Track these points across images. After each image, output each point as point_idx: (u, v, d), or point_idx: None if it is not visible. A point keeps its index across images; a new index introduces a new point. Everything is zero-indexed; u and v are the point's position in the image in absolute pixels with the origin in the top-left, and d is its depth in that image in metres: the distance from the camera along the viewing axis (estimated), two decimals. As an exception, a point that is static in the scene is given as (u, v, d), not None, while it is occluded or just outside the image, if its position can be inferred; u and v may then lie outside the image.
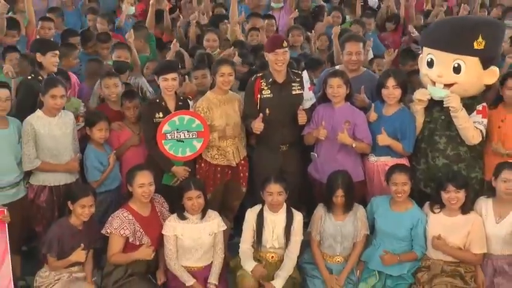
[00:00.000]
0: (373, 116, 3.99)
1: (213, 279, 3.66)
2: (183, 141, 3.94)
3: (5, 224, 3.33)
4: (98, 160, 4.02)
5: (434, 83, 3.89)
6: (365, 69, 4.47)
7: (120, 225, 3.58)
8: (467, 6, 6.98)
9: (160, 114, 3.98)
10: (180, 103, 4.08)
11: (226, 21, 6.15)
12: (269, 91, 3.97)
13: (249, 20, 6.13)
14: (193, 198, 3.61)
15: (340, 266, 3.78)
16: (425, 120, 3.96)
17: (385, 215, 3.76)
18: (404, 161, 3.94)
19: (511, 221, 3.56)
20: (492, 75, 3.86)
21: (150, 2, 5.91)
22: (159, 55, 5.61)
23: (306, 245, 3.86)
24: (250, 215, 3.77)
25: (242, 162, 4.14)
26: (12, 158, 3.72)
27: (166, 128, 3.90)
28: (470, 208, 3.66)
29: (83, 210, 3.55)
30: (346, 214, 3.77)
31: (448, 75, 3.83)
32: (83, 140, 4.09)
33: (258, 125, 3.88)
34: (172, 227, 3.66)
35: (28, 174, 3.83)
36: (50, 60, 4.17)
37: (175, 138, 3.92)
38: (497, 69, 3.89)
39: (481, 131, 3.84)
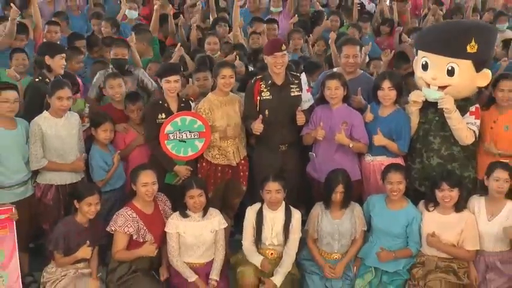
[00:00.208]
0: (369, 116, 3.99)
1: (215, 275, 3.66)
2: (185, 142, 3.94)
3: (13, 222, 3.35)
4: (103, 160, 4.02)
5: (428, 85, 3.90)
6: (362, 71, 4.48)
7: (124, 223, 3.58)
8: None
9: (163, 115, 3.98)
10: (182, 104, 4.08)
11: (222, 23, 6.14)
12: (268, 93, 3.97)
13: (252, 24, 6.14)
14: (195, 196, 3.62)
15: (339, 262, 3.76)
16: (420, 121, 3.97)
17: (381, 213, 3.76)
18: (399, 161, 3.95)
19: (503, 219, 3.56)
20: (484, 77, 3.87)
21: (155, 7, 5.92)
22: (160, 58, 5.62)
23: (304, 242, 3.87)
24: (250, 212, 3.78)
25: (242, 161, 4.15)
26: (20, 158, 3.72)
27: (168, 128, 3.90)
28: (464, 206, 3.66)
29: (89, 208, 3.55)
30: (343, 212, 3.77)
31: (442, 78, 3.84)
32: (88, 140, 4.09)
33: (257, 126, 3.88)
34: (175, 224, 3.66)
35: (35, 173, 3.83)
36: (59, 63, 4.19)
37: (178, 138, 3.92)
38: (490, 71, 3.90)
39: (474, 131, 3.85)
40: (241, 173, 4.15)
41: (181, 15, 6.43)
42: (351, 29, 6.10)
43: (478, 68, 3.82)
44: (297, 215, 3.76)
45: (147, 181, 3.61)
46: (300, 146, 4.12)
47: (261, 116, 3.92)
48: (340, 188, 3.67)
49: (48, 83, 4.06)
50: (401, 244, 3.74)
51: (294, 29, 6.11)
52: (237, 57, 4.88)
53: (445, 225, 3.63)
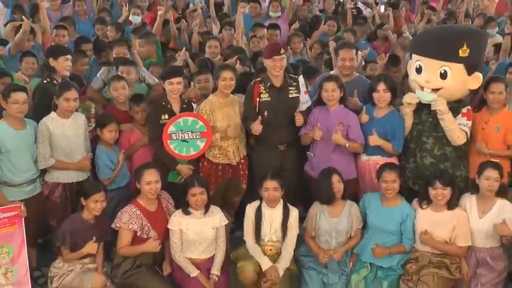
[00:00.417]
0: (364, 118, 4.00)
1: (216, 270, 3.66)
2: (187, 141, 3.94)
3: (22, 219, 3.36)
4: (108, 159, 4.03)
5: (422, 88, 3.90)
6: (358, 74, 4.47)
7: (128, 220, 3.59)
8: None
9: (166, 116, 3.98)
10: (184, 106, 4.08)
11: (228, 27, 6.14)
12: (267, 95, 3.97)
13: (253, 29, 6.16)
14: (197, 194, 3.62)
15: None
16: (414, 122, 3.97)
17: (376, 210, 3.76)
18: (394, 160, 3.95)
19: (493, 216, 3.56)
20: (476, 80, 3.87)
21: (159, 13, 5.93)
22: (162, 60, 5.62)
23: (302, 239, 3.86)
24: (250, 210, 3.77)
25: (242, 161, 4.15)
26: (29, 157, 3.73)
27: (171, 128, 3.90)
28: (456, 204, 3.66)
29: (95, 205, 3.56)
30: (340, 211, 3.77)
31: (435, 81, 3.84)
32: (94, 140, 4.10)
33: (257, 127, 3.89)
34: (178, 221, 3.66)
35: (43, 172, 3.84)
36: (62, 65, 4.18)
37: (180, 138, 3.93)
38: (481, 75, 3.90)
39: (465, 132, 3.86)
40: (241, 172, 4.15)
41: (183, 20, 6.43)
42: (346, 33, 6.11)
43: (470, 72, 3.82)
44: (294, 212, 3.76)
45: (150, 179, 3.62)
46: (298, 145, 4.12)
47: (260, 117, 3.92)
48: (335, 178, 3.67)
49: (55, 84, 4.05)
50: (395, 240, 3.73)
51: (294, 33, 6.12)
52: (238, 61, 4.88)
53: (438, 222, 3.63)
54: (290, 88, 4.02)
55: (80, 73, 4.82)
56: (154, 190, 3.64)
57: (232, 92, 4.15)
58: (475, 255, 3.64)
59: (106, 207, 3.68)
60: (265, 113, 3.95)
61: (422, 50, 3.94)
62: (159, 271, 3.74)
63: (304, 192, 4.24)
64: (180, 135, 3.92)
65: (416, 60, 3.96)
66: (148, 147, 4.17)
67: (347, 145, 3.91)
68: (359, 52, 4.74)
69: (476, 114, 3.99)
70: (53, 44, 5.18)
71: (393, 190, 3.68)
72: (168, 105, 4.04)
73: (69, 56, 4.25)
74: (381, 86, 3.93)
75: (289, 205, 3.77)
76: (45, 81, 4.21)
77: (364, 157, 4.03)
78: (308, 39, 6.23)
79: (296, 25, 6.39)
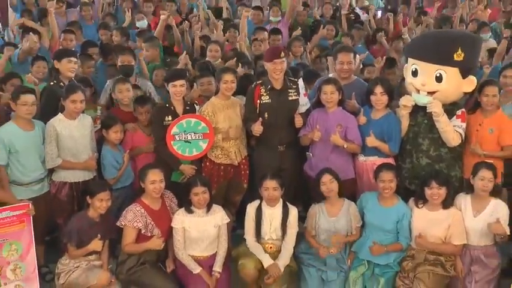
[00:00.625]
0: (362, 119, 4.00)
1: (218, 267, 3.66)
2: (190, 142, 3.95)
3: (30, 217, 3.37)
4: (114, 159, 4.04)
5: (418, 91, 3.89)
6: (355, 77, 4.47)
7: (133, 218, 3.60)
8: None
9: (170, 118, 3.99)
10: (187, 107, 4.09)
11: (232, 29, 6.16)
12: (268, 97, 3.97)
13: (254, 33, 6.18)
14: (200, 193, 3.62)
15: (334, 256, 3.76)
16: (410, 124, 3.96)
17: (374, 209, 3.77)
18: (391, 161, 3.94)
19: (487, 215, 3.56)
20: (470, 83, 3.87)
21: (161, 17, 5.94)
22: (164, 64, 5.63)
23: (301, 236, 3.87)
24: (250, 209, 3.77)
25: (243, 161, 4.15)
26: (37, 157, 3.74)
27: (174, 130, 3.91)
28: (451, 203, 3.65)
29: (100, 203, 3.57)
30: (339, 210, 3.77)
31: (431, 84, 3.84)
32: (99, 140, 4.10)
33: (257, 128, 3.89)
34: (181, 220, 3.66)
35: (51, 171, 3.85)
36: (66, 66, 4.17)
37: (183, 139, 3.93)
38: (475, 78, 3.90)
39: (460, 134, 3.85)
40: (243, 172, 4.16)
41: (186, 22, 6.43)
42: (344, 37, 6.12)
43: (464, 75, 3.82)
44: (294, 211, 3.76)
45: (155, 179, 3.62)
46: (297, 146, 4.11)
47: (260, 118, 3.92)
48: (327, 177, 3.67)
49: (62, 86, 4.06)
50: (392, 239, 3.74)
51: (295, 37, 6.13)
52: (240, 65, 4.89)
53: (433, 221, 3.63)
54: (290, 91, 4.02)
55: (87, 75, 4.84)
56: (158, 189, 3.64)
57: (234, 94, 4.15)
58: (469, 253, 3.65)
59: (111, 206, 3.68)
60: (266, 115, 3.95)
61: (418, 54, 3.94)
62: (162, 268, 3.74)
63: (303, 192, 4.24)
64: (183, 136, 3.93)
65: (412, 64, 3.96)
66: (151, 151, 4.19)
67: (345, 146, 3.92)
68: (357, 56, 4.75)
69: (470, 116, 3.99)
70: (60, 47, 5.20)
71: (390, 189, 3.69)
72: (172, 107, 4.05)
73: (72, 58, 4.24)
74: (378, 89, 3.93)
75: (288, 204, 3.77)
76: (52, 83, 4.22)
77: (361, 158, 4.03)
78: (308, 43, 6.23)
79: (298, 31, 6.41)
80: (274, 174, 3.73)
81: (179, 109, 4.05)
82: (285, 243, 3.71)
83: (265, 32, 6.10)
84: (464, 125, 3.88)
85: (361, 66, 5.23)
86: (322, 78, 4.44)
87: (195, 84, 4.60)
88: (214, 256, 3.72)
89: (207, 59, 5.33)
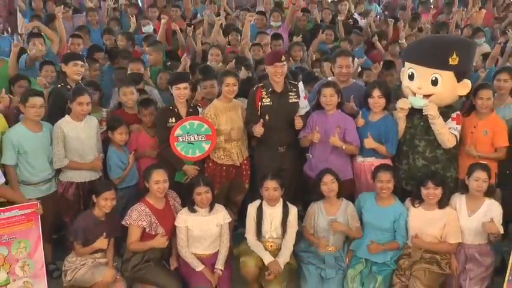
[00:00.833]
0: (360, 122, 4.01)
1: (220, 265, 3.67)
2: (193, 144, 3.95)
3: (38, 215, 3.37)
4: (119, 159, 4.05)
5: (414, 94, 3.90)
6: (354, 80, 4.48)
7: (138, 217, 3.60)
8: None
9: (173, 119, 4.00)
10: (190, 110, 4.10)
11: (234, 33, 6.19)
12: (269, 99, 3.98)
13: (256, 37, 6.20)
14: (202, 193, 3.62)
15: (332, 254, 3.79)
16: (407, 126, 3.97)
17: (371, 209, 3.77)
18: (388, 162, 3.95)
19: (482, 215, 3.57)
20: (465, 87, 3.88)
21: (162, 21, 5.95)
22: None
23: (301, 235, 3.87)
24: (251, 209, 3.77)
25: (245, 162, 4.16)
26: (45, 158, 3.75)
27: (178, 131, 3.92)
28: (446, 203, 3.66)
29: (105, 202, 3.58)
30: (337, 209, 3.77)
31: (427, 87, 3.84)
32: (105, 141, 4.11)
33: (258, 130, 3.90)
34: (184, 219, 3.67)
35: (58, 171, 3.86)
36: (72, 70, 4.19)
37: (186, 140, 3.94)
38: (469, 81, 3.90)
39: (455, 135, 3.86)
40: (244, 172, 4.16)
41: (191, 27, 6.44)
42: (343, 42, 6.14)
43: (459, 79, 3.83)
44: (293, 210, 3.76)
45: (159, 179, 3.63)
46: (297, 147, 4.12)
47: (261, 120, 3.93)
48: (328, 177, 3.68)
49: (69, 89, 4.08)
50: (389, 237, 3.74)
51: (295, 42, 6.15)
52: (244, 68, 4.90)
53: (429, 221, 3.64)
54: (290, 93, 4.03)
55: (94, 79, 4.86)
56: (162, 189, 3.65)
57: (236, 97, 4.16)
58: (464, 252, 3.65)
59: (116, 205, 3.69)
60: (267, 117, 3.97)
61: (414, 58, 3.95)
62: (166, 265, 3.75)
63: (303, 192, 4.25)
64: (187, 138, 3.93)
65: (409, 68, 3.97)
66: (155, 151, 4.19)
67: (344, 147, 3.93)
68: (355, 60, 4.76)
69: (465, 119, 4.00)
70: (68, 51, 5.22)
71: (388, 190, 3.70)
72: (175, 109, 4.05)
73: (79, 62, 4.25)
74: (376, 92, 3.94)
75: (288, 204, 3.78)
76: (59, 85, 4.23)
77: (359, 159, 4.04)
78: (310, 47, 6.25)
79: (299, 38, 6.44)
80: (274, 174, 3.74)
81: (182, 111, 4.06)
82: (285, 242, 3.72)
83: (268, 37, 6.13)
84: (459, 127, 3.89)
85: (360, 69, 5.25)
86: (322, 81, 4.45)
87: (198, 87, 4.62)
88: (216, 254, 3.73)
89: (208, 63, 5.34)
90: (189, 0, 7.59)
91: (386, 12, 8.34)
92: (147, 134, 4.26)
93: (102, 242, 3.61)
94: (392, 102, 4.07)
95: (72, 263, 3.61)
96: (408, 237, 3.72)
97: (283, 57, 3.94)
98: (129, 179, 4.11)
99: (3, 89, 4.10)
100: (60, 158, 3.77)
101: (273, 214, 3.74)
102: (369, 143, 3.91)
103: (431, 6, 8.58)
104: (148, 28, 6.49)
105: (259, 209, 3.75)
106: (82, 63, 4.32)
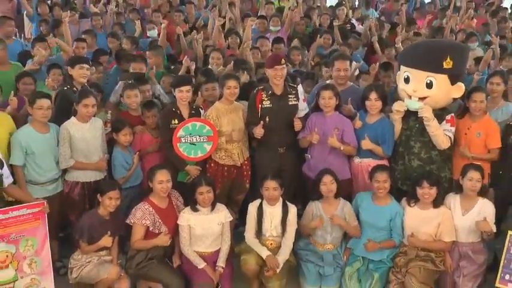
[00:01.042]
0: (358, 123, 4.02)
1: (221, 262, 3.68)
2: (195, 144, 3.96)
3: (45, 214, 3.36)
4: (124, 160, 4.06)
5: (410, 97, 3.92)
6: (351, 83, 4.49)
7: (142, 216, 3.61)
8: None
9: (176, 121, 4.01)
10: (193, 111, 4.11)
11: (234, 36, 6.22)
12: (269, 101, 3.99)
13: (256, 41, 6.22)
14: (204, 193, 3.64)
15: (330, 252, 3.80)
16: (403, 128, 3.99)
17: (368, 208, 3.78)
18: (384, 162, 3.96)
19: (475, 214, 3.58)
20: (459, 90, 3.90)
21: (162, 26, 5.96)
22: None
23: (300, 234, 3.87)
24: (252, 208, 3.78)
25: (245, 162, 4.16)
26: (52, 158, 3.76)
27: (180, 132, 3.93)
28: (441, 203, 3.68)
29: (110, 202, 3.58)
30: (335, 209, 3.77)
31: (422, 90, 3.86)
32: (110, 142, 4.12)
33: (259, 131, 3.91)
34: (186, 217, 3.68)
35: (64, 171, 3.87)
36: (78, 72, 4.20)
37: (189, 141, 3.94)
38: (463, 84, 3.92)
39: (449, 137, 3.87)
40: (245, 173, 4.17)
41: (195, 31, 6.45)
42: (342, 46, 6.16)
43: (453, 82, 3.85)
44: (293, 209, 3.77)
45: (162, 179, 3.64)
46: (296, 148, 4.13)
47: (262, 122, 3.94)
48: (328, 178, 3.69)
49: (75, 91, 4.09)
50: (385, 236, 3.76)
51: (293, 46, 6.17)
52: (245, 72, 4.92)
53: (425, 219, 3.65)
54: (290, 96, 4.04)
55: (98, 80, 4.87)
56: (165, 189, 3.66)
57: (237, 99, 4.17)
58: (458, 249, 3.66)
59: (120, 205, 3.69)
60: (267, 119, 3.98)
61: (410, 62, 3.97)
62: (169, 263, 3.76)
63: (302, 191, 4.25)
64: (189, 139, 3.94)
65: (404, 71, 3.99)
66: (158, 152, 4.20)
67: (342, 148, 3.94)
68: (353, 63, 4.77)
69: (459, 121, 4.02)
70: (73, 55, 5.24)
71: (384, 189, 3.71)
72: (178, 111, 4.06)
73: (84, 65, 4.25)
74: (373, 95, 3.95)
75: (288, 203, 3.79)
76: (65, 88, 4.23)
77: (357, 159, 4.05)
78: (309, 51, 6.27)
79: (296, 42, 6.46)
80: (274, 174, 3.75)
81: (185, 113, 4.07)
82: (285, 240, 3.73)
83: (267, 41, 6.15)
84: (453, 128, 3.90)
85: (358, 72, 5.26)
86: (320, 84, 4.46)
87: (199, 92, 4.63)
88: (217, 252, 3.74)
89: (209, 66, 5.35)
90: (192, 5, 7.60)
91: (382, 18, 8.34)
92: (150, 135, 4.27)
93: (106, 240, 3.61)
94: (389, 105, 4.08)
95: (78, 261, 3.62)
96: (404, 236, 3.74)
97: (283, 61, 3.96)
98: (133, 179, 4.12)
99: (12, 92, 4.10)
100: (66, 159, 3.78)
101: (273, 213, 3.75)
102: (366, 144, 3.92)
103: (427, 12, 8.60)
104: (153, 32, 6.50)
105: (260, 208, 3.75)
106: (88, 66, 4.33)
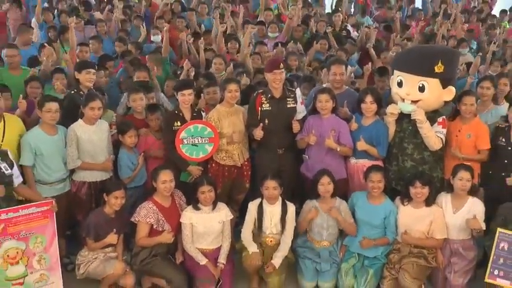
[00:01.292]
0: (354, 126, 4.04)
1: (222, 259, 3.70)
2: (197, 146, 3.98)
3: (53, 213, 3.37)
4: (130, 160, 4.08)
5: (403, 100, 3.94)
6: (347, 87, 4.50)
7: (146, 215, 3.63)
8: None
9: (178, 123, 4.02)
10: (194, 114, 4.12)
11: (233, 41, 6.27)
12: (268, 104, 4.00)
13: (255, 47, 6.26)
14: (206, 192, 3.66)
15: (327, 249, 3.82)
16: (396, 130, 4.01)
17: (363, 207, 3.80)
18: (379, 163, 3.97)
19: (465, 212, 3.61)
20: (450, 93, 3.92)
21: (164, 29, 5.99)
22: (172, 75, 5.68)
23: (298, 232, 3.89)
24: (252, 206, 3.79)
25: (246, 163, 4.17)
26: (60, 159, 3.78)
27: (183, 134, 3.94)
28: (433, 201, 3.70)
29: (115, 201, 3.61)
30: (332, 206, 3.79)
31: (415, 94, 3.88)
32: (115, 144, 4.13)
33: (258, 133, 3.93)
34: (189, 216, 3.70)
35: (71, 172, 3.88)
36: (85, 77, 4.22)
37: (191, 143, 3.96)
38: (454, 88, 3.94)
39: (441, 138, 3.89)
40: (245, 173, 4.18)
41: (201, 38, 6.48)
42: (339, 51, 6.20)
43: (444, 85, 3.87)
44: (291, 208, 3.79)
45: (165, 179, 3.66)
46: (295, 149, 4.14)
47: (261, 124, 3.96)
48: (325, 179, 3.71)
49: (82, 95, 4.10)
50: (380, 233, 3.77)
51: (290, 51, 6.22)
52: (244, 75, 4.95)
53: (417, 218, 3.67)
54: (288, 99, 4.05)
55: (105, 84, 4.91)
56: (168, 188, 3.68)
57: (238, 103, 4.20)
58: (449, 246, 3.69)
59: (125, 203, 3.71)
60: (266, 121, 3.99)
61: (403, 67, 3.99)
62: (172, 260, 3.78)
63: (300, 191, 4.26)
64: (191, 140, 3.96)
65: (397, 76, 4.01)
66: (161, 153, 4.22)
67: (338, 149, 3.95)
68: (348, 68, 4.80)
69: (450, 123, 4.04)
70: (77, 59, 5.26)
71: (379, 189, 3.73)
72: (180, 114, 4.08)
73: (91, 70, 4.27)
74: (368, 98, 3.97)
75: (287, 202, 3.80)
76: (72, 91, 4.26)
77: (353, 160, 4.07)
78: (305, 57, 6.32)
79: (291, 45, 6.52)
80: (274, 174, 3.76)
81: (187, 115, 4.09)
82: (284, 237, 3.75)
83: (265, 46, 6.20)
84: (444, 130, 3.92)
85: (354, 77, 5.30)
86: (317, 87, 4.48)
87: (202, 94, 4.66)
88: (219, 249, 3.76)
89: (210, 70, 5.39)
90: (193, 12, 7.66)
91: (376, 24, 8.39)
92: (154, 137, 4.28)
93: (112, 238, 3.64)
94: (384, 108, 4.10)
95: (84, 257, 3.65)
96: (397, 233, 3.75)
97: (282, 65, 3.98)
98: (138, 179, 4.14)
99: (21, 95, 4.13)
100: (73, 159, 3.80)
101: (272, 211, 3.77)
102: (361, 145, 3.95)
103: (421, 18, 8.65)
104: (157, 38, 6.55)
105: (260, 207, 3.77)
106: (94, 71, 4.35)
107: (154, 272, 3.69)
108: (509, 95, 4.67)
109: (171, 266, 3.70)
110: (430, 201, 3.68)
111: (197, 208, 3.72)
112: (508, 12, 9.49)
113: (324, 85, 4.52)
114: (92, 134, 3.86)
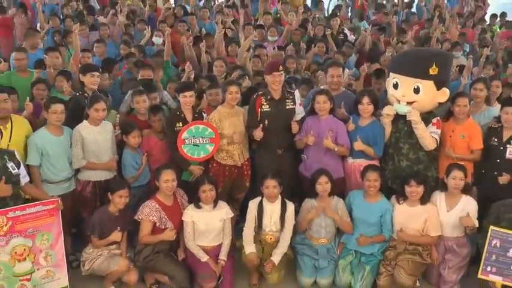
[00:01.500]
0: (351, 126, 4.04)
1: (223, 256, 3.71)
2: (198, 146, 3.99)
3: (59, 211, 3.38)
4: (133, 160, 4.09)
5: (399, 101, 3.95)
6: (344, 89, 4.50)
7: (149, 213, 3.64)
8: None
9: (180, 124, 4.04)
10: (196, 115, 4.13)
11: (234, 44, 6.30)
12: (268, 106, 4.01)
13: (255, 50, 6.28)
14: (207, 191, 3.67)
15: (325, 246, 3.83)
16: (392, 131, 4.01)
17: (360, 205, 3.81)
18: (375, 162, 3.98)
19: (459, 210, 3.62)
20: (443, 95, 3.92)
21: (165, 33, 6.01)
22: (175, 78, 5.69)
23: (297, 230, 3.89)
24: (252, 205, 3.80)
25: (246, 162, 4.18)
26: (66, 159, 3.79)
27: (185, 135, 3.95)
28: (427, 200, 3.71)
29: (119, 199, 3.62)
30: (329, 206, 3.78)
31: (410, 95, 3.89)
32: (119, 144, 4.14)
33: (258, 134, 3.93)
34: (190, 214, 3.71)
35: (77, 171, 3.90)
36: (89, 80, 4.23)
37: (192, 143, 3.97)
38: (448, 90, 3.95)
39: (436, 139, 3.90)
40: (245, 172, 4.19)
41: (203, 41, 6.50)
42: (337, 54, 6.22)
43: (439, 87, 3.88)
44: (291, 206, 3.80)
45: (168, 178, 3.67)
46: (294, 149, 4.14)
47: (261, 125, 3.96)
48: (323, 179, 3.72)
49: (86, 97, 4.12)
50: (376, 231, 3.78)
51: (288, 55, 6.24)
52: (246, 77, 4.97)
53: (412, 216, 3.69)
54: (287, 101, 4.06)
55: (109, 87, 4.92)
56: (171, 187, 3.69)
57: (238, 104, 4.21)
58: (443, 243, 3.70)
59: (129, 202, 3.72)
60: (266, 122, 4.00)
61: (398, 69, 3.99)
62: (174, 256, 3.79)
63: (299, 190, 4.25)
64: (192, 141, 3.97)
65: (393, 78, 4.01)
66: (165, 152, 4.23)
67: (336, 149, 3.95)
68: (345, 70, 4.80)
69: (444, 124, 4.05)
70: (80, 63, 5.27)
71: (375, 188, 3.74)
72: (182, 115, 4.10)
73: (95, 73, 4.29)
74: (365, 100, 3.98)
75: (286, 200, 3.81)
76: (77, 93, 4.27)
77: (350, 160, 4.07)
78: (303, 60, 6.34)
79: (290, 47, 6.53)
80: (274, 174, 3.77)
81: (189, 116, 4.10)
82: (283, 235, 3.76)
83: (264, 49, 6.22)
84: (439, 131, 3.93)
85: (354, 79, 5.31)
86: (315, 89, 4.48)
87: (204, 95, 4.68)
88: (220, 246, 3.77)
89: (213, 73, 5.40)
90: (194, 17, 7.69)
91: (371, 27, 8.42)
92: (157, 137, 4.29)
93: (116, 235, 3.65)
94: (380, 109, 4.11)
95: (89, 254, 3.66)
96: (393, 231, 3.76)
97: (281, 68, 3.98)
98: (141, 179, 4.14)
99: (27, 97, 4.14)
100: (78, 159, 3.81)
101: (272, 210, 3.77)
102: (358, 145, 3.95)
103: (414, 23, 8.69)
104: (158, 40, 6.57)
105: (260, 205, 3.78)
106: (98, 74, 4.36)
107: (157, 268, 3.70)
108: (502, 97, 4.68)
109: (173, 263, 3.71)
110: (424, 199, 3.69)
111: (198, 206, 3.73)
112: (499, 17, 9.55)
113: (322, 87, 4.52)
114: (97, 135, 3.87)
